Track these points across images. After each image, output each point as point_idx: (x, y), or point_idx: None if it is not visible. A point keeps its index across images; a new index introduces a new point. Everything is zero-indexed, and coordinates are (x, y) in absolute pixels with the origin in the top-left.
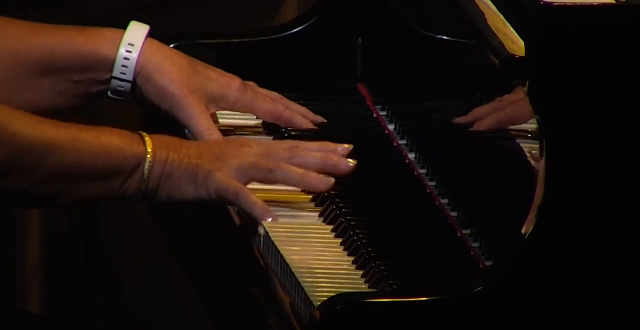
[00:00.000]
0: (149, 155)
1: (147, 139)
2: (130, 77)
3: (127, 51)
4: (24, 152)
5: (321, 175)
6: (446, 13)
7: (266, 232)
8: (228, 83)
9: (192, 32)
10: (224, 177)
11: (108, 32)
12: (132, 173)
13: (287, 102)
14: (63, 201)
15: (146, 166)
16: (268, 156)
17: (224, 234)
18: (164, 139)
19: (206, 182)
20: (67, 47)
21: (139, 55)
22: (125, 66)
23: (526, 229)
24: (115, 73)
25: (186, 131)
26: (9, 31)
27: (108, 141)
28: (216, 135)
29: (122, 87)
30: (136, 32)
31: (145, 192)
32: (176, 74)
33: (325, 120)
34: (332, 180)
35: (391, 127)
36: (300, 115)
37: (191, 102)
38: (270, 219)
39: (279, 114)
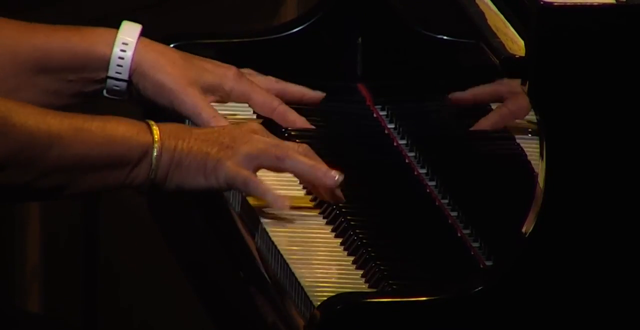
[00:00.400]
0: (156, 144)
1: (154, 127)
2: (125, 76)
3: (121, 50)
4: (26, 144)
5: (330, 169)
6: (446, 13)
7: (266, 232)
8: (224, 73)
9: (192, 32)
10: (234, 166)
11: (102, 32)
12: (138, 162)
13: (282, 88)
14: (70, 193)
15: (154, 155)
16: (278, 145)
17: (224, 234)
18: (172, 127)
19: (216, 171)
20: (63, 46)
21: (133, 54)
22: (121, 65)
23: (526, 229)
24: (111, 72)
25: (187, 123)
26: (5, 31)
27: (113, 131)
28: (223, 121)
29: (118, 86)
30: (129, 32)
31: (154, 182)
32: (172, 69)
33: (322, 94)
34: (341, 177)
35: (391, 127)
36: (295, 113)
37: (190, 94)
38: (284, 204)
39: (274, 107)
